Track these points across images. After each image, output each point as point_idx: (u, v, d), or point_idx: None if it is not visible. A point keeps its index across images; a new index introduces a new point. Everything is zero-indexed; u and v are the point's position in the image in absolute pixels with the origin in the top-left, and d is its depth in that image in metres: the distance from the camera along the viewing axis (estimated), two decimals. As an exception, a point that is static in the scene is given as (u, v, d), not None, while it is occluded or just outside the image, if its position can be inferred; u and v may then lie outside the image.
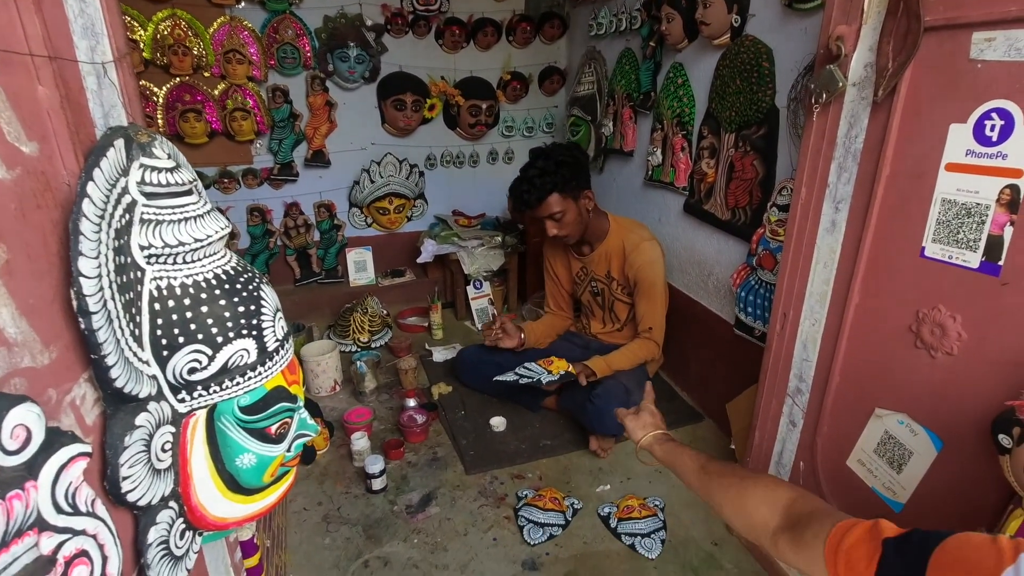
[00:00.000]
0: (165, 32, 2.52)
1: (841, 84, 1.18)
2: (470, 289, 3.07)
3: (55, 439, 0.46)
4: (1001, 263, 0.97)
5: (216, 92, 2.69)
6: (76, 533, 0.48)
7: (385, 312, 2.96)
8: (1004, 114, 0.93)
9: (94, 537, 0.50)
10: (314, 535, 1.71)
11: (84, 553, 0.49)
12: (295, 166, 2.99)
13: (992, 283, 0.98)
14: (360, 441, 1.96)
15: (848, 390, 1.31)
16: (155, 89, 2.58)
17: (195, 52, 2.58)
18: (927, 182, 1.06)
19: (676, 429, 2.21)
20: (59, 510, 0.46)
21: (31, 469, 0.43)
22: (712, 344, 2.19)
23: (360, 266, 3.20)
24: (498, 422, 2.17)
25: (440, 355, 2.70)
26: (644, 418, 1.18)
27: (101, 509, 0.51)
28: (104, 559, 0.51)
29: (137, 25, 2.49)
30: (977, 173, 0.98)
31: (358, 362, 2.43)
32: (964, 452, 1.07)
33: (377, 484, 1.84)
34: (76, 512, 0.48)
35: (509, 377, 2.04)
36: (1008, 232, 0.95)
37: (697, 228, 2.22)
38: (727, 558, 1.64)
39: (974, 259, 1.01)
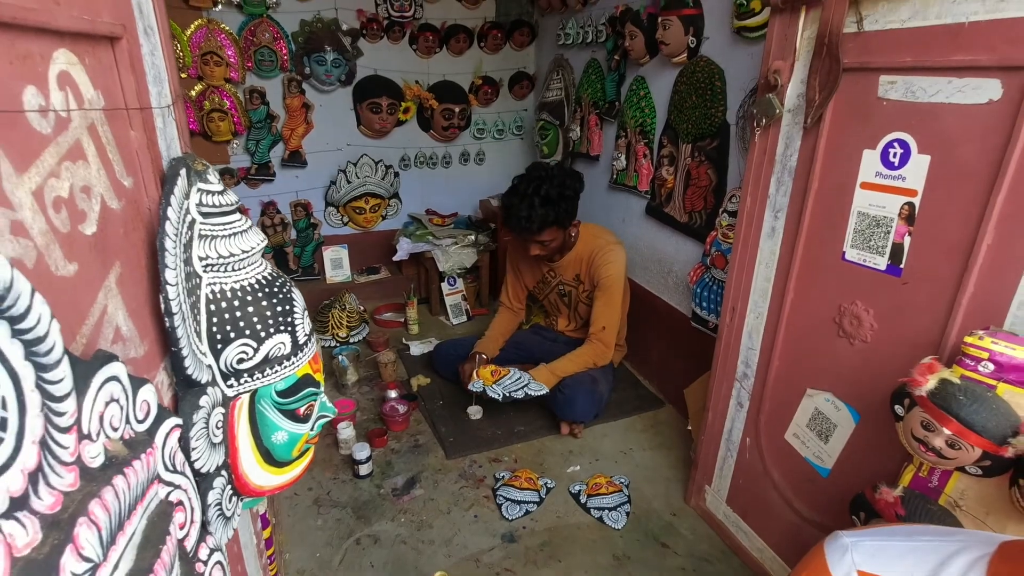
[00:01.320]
0: (142, 33, 2.55)
1: (778, 111, 1.37)
2: (444, 286, 3.20)
3: (162, 413, 0.59)
4: (902, 266, 1.17)
5: (193, 93, 2.73)
6: (176, 487, 0.61)
7: (362, 308, 3.07)
8: (903, 144, 1.13)
9: (186, 491, 0.63)
10: (306, 517, 1.83)
11: (181, 503, 0.62)
12: (272, 166, 3.05)
13: (896, 282, 1.19)
14: (346, 430, 2.08)
15: (785, 373, 1.51)
16: (132, 90, 2.60)
17: (173, 54, 2.62)
18: (847, 197, 1.26)
19: (639, 415, 2.40)
20: (167, 468, 0.59)
21: (151, 434, 0.56)
22: (671, 336, 2.39)
23: (336, 263, 3.28)
24: (475, 411, 2.32)
25: (417, 349, 2.82)
26: None
27: (187, 470, 0.64)
28: (192, 509, 0.64)
29: (114, 26, 2.51)
30: (883, 191, 1.18)
31: (340, 356, 2.54)
32: (876, 423, 1.28)
33: (363, 470, 1.97)
34: (175, 471, 0.61)
35: (492, 393, 2.15)
36: (907, 241, 1.15)
37: (658, 229, 2.41)
38: (684, 526, 1.84)
39: (882, 262, 1.21)
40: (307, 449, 0.97)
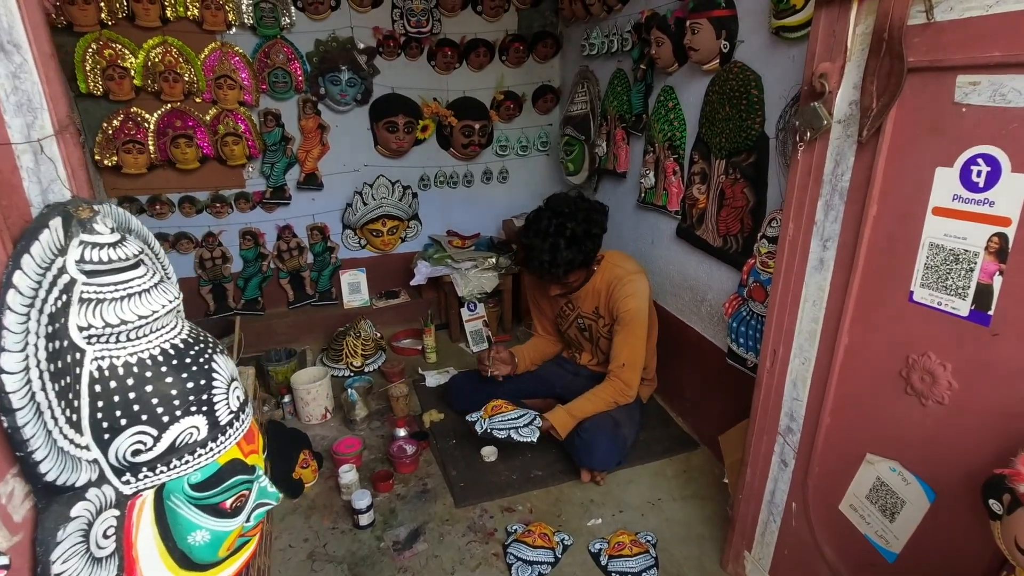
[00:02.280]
0: (156, 59, 2.52)
1: (826, 122, 1.15)
2: (464, 311, 3.04)
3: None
4: (991, 312, 0.93)
5: (207, 117, 2.68)
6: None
7: (379, 335, 2.94)
8: (990, 160, 0.90)
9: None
10: (299, 572, 1.68)
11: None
12: (288, 189, 2.98)
13: (982, 332, 0.95)
14: (348, 474, 1.93)
15: (839, 432, 1.27)
16: (146, 116, 2.58)
17: (186, 78, 2.58)
18: (914, 225, 1.03)
19: (670, 457, 2.17)
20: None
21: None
22: (705, 371, 2.15)
23: (354, 288, 3.18)
24: (489, 451, 2.14)
25: (433, 380, 2.67)
26: None
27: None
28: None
29: (128, 53, 2.49)
30: (964, 219, 0.95)
31: (349, 389, 2.40)
32: (957, 505, 1.03)
33: (364, 520, 1.81)
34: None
35: (473, 419, 2.00)
36: (997, 281, 0.92)
37: (689, 253, 2.18)
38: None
39: (963, 307, 0.97)
40: (244, 543, 0.80)
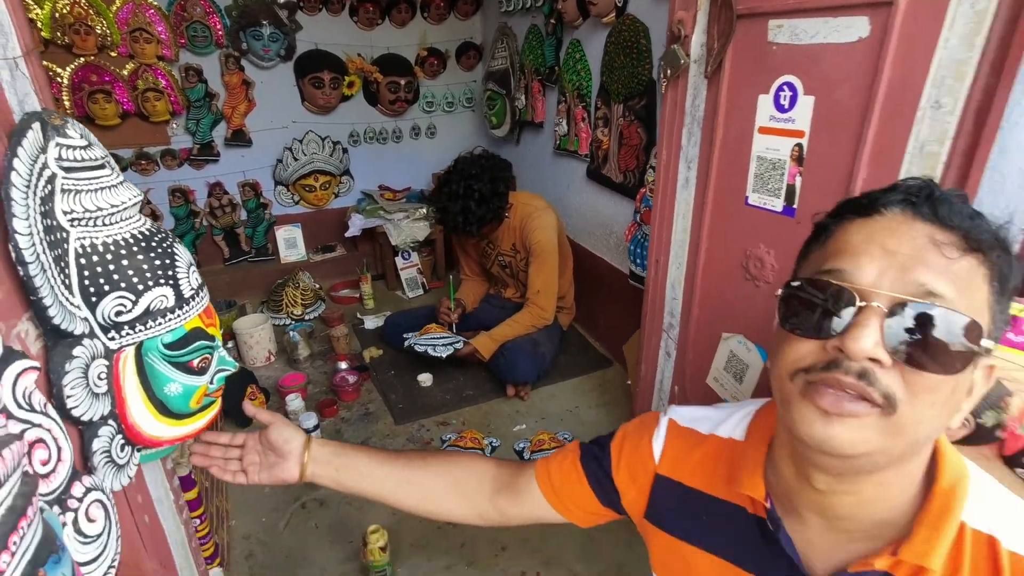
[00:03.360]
0: (64, 11, 2.48)
1: (683, 61, 1.40)
2: (399, 260, 3.20)
3: (11, 354, 0.60)
4: (795, 206, 1.22)
5: (125, 72, 2.66)
6: (34, 425, 0.62)
7: (317, 286, 3.07)
8: (791, 86, 1.17)
9: (49, 431, 0.65)
10: (255, 491, 1.85)
11: (41, 441, 0.63)
12: (215, 146, 3.00)
13: (791, 222, 1.24)
14: (295, 402, 2.10)
15: (704, 320, 1.56)
16: (58, 70, 2.54)
17: (98, 31, 2.55)
18: (746, 142, 1.30)
19: (587, 375, 2.46)
20: (19, 406, 0.60)
21: (-6, 373, 0.58)
22: (614, 296, 2.44)
23: (290, 243, 3.27)
24: (425, 378, 2.35)
25: (371, 323, 2.84)
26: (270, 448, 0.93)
27: (52, 412, 0.66)
28: (58, 449, 0.66)
29: (32, 3, 2.43)
30: (777, 135, 1.22)
31: (291, 332, 2.54)
32: (780, 360, 1.34)
33: (312, 439, 1.99)
34: (32, 410, 0.63)
35: (408, 339, 2.25)
36: (798, 181, 1.20)
37: (598, 192, 2.44)
38: (623, 475, 1.90)
39: (779, 204, 1.25)
40: (209, 403, 0.98)
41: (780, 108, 1.20)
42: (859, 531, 0.59)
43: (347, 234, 3.18)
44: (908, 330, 0.48)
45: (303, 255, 3.30)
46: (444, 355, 2.18)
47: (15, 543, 0.51)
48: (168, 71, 2.74)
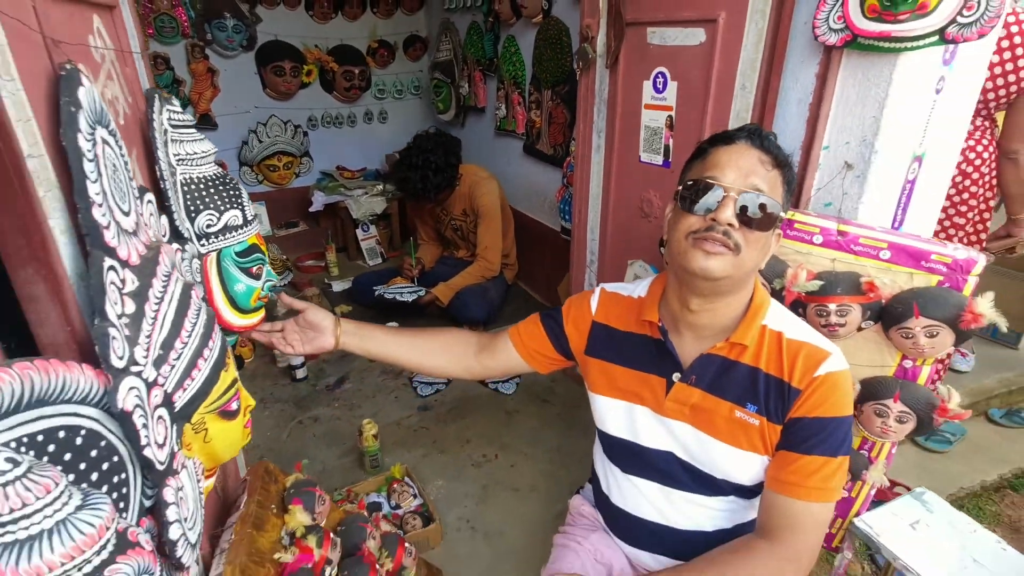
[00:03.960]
0: None
1: (591, 55, 1.86)
2: (359, 232, 3.55)
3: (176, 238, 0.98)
4: (671, 160, 1.71)
5: (98, 60, 2.87)
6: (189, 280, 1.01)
7: (285, 257, 3.37)
8: (663, 75, 1.65)
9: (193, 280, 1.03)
10: (256, 412, 2.20)
11: (193, 287, 1.02)
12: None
13: (667, 172, 1.73)
14: (281, 346, 2.44)
15: (616, 252, 2.05)
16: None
17: (73, 22, 2.75)
18: (637, 116, 1.78)
19: (530, 319, 2.92)
20: (177, 268, 0.99)
21: (159, 244, 0.96)
22: (550, 252, 2.91)
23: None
24: (392, 325, 2.74)
25: (339, 286, 3.19)
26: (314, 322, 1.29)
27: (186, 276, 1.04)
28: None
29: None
30: (656, 109, 1.71)
31: (270, 292, 2.86)
32: (666, 275, 1.84)
33: (300, 373, 2.36)
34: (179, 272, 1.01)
35: (377, 290, 2.66)
36: (671, 142, 1.69)
37: (533, 165, 2.90)
38: (560, 387, 2.38)
39: (659, 159, 1.74)
40: (260, 306, 1.37)
41: (657, 90, 1.69)
42: (711, 334, 1.00)
43: (311, 209, 3.50)
44: (744, 208, 0.88)
45: (268, 231, 3.59)
46: (411, 299, 2.59)
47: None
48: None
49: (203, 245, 1.20)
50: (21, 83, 0.56)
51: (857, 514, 1.50)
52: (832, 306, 1.27)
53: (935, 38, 1.10)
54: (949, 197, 1.86)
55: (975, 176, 1.83)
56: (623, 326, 1.10)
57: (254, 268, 1.30)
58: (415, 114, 4.01)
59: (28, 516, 0.48)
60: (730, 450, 0.97)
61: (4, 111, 0.53)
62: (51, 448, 0.54)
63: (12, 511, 0.47)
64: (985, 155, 1.80)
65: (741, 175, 0.87)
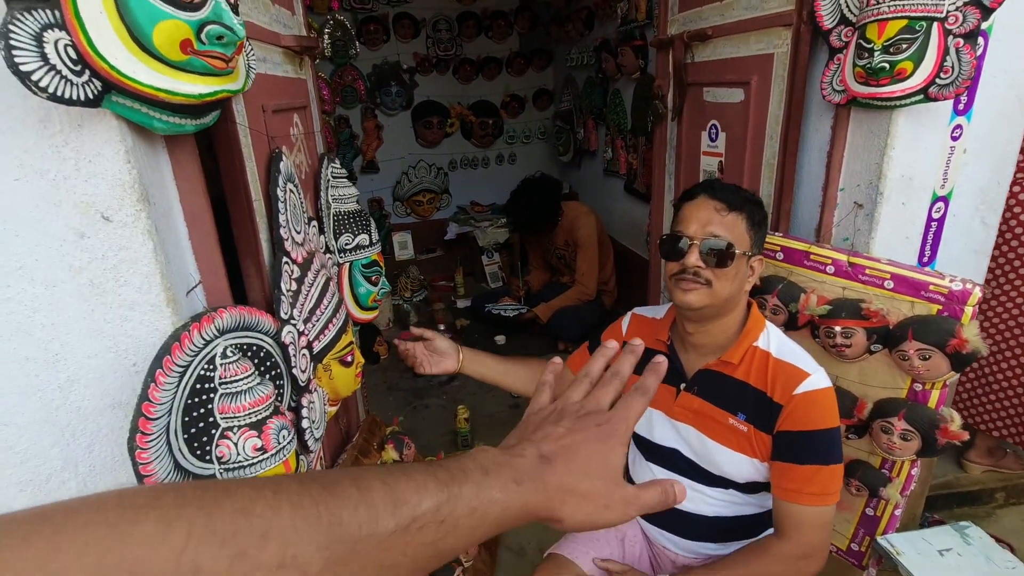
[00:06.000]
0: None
1: (662, 111, 2.18)
2: (484, 258, 4.11)
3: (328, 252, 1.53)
4: (723, 199, 1.94)
5: (300, 123, 3.81)
6: (330, 279, 1.54)
7: (422, 277, 4.04)
8: (715, 127, 1.92)
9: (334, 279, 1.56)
10: (383, 395, 2.78)
11: (331, 280, 1.55)
12: (354, 173, 4.10)
13: (720, 210, 1.96)
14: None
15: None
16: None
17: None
18: (697, 160, 2.05)
19: (623, 341, 3.19)
20: (326, 271, 1.52)
21: (316, 250, 1.50)
22: (641, 280, 3.17)
23: (403, 245, 4.29)
24: (500, 339, 3.21)
25: (462, 303, 3.76)
26: None
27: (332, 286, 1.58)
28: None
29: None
30: (711, 155, 1.97)
31: (405, 304, 3.51)
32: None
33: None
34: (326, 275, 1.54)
35: (487, 306, 3.10)
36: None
37: (633, 202, 3.21)
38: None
39: (714, 199, 1.99)
40: (375, 307, 1.89)
41: (711, 139, 1.95)
42: (709, 352, 1.24)
43: (446, 238, 4.15)
44: (705, 251, 1.15)
45: (412, 255, 4.31)
46: (512, 315, 3.03)
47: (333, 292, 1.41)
48: (327, 121, 3.87)
49: (341, 257, 1.75)
50: (255, 162, 1.09)
51: (883, 533, 1.57)
52: (838, 328, 1.44)
53: (920, 97, 1.28)
54: (1018, 235, 1.83)
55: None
56: (648, 343, 1.32)
57: (373, 277, 1.82)
58: (540, 156, 4.53)
59: (236, 381, 0.97)
60: (725, 451, 1.14)
61: (246, 177, 1.06)
62: (248, 353, 1.04)
63: (230, 377, 0.96)
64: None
65: (700, 225, 1.09)
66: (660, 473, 1.28)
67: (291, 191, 1.25)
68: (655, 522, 1.30)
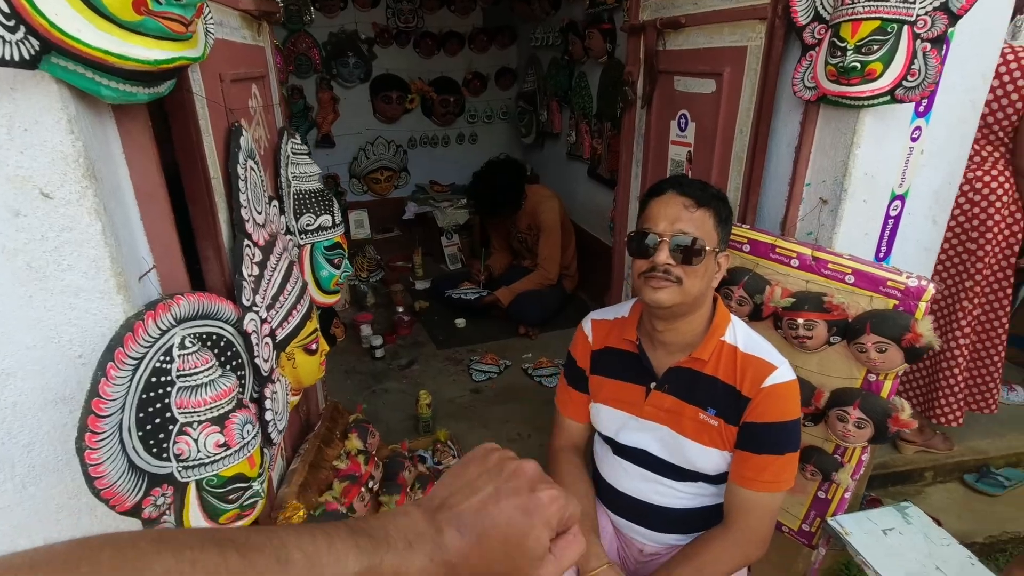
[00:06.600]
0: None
1: (631, 98, 2.16)
2: (443, 239, 4.04)
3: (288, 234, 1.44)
4: (689, 189, 1.96)
5: (250, 91, 3.60)
6: (293, 261, 1.46)
7: (379, 257, 3.93)
8: (685, 116, 1.92)
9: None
10: (341, 379, 2.70)
11: (294, 263, 1.47)
12: (309, 147, 3.92)
13: (687, 200, 1.98)
14: (366, 328, 2.95)
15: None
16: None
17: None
18: (665, 150, 2.05)
19: (583, 326, 3.22)
20: (288, 254, 1.44)
21: (278, 232, 1.41)
22: (605, 265, 3.19)
23: (359, 224, 4.15)
24: (460, 321, 3.17)
25: (420, 285, 3.69)
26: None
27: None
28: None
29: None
30: (680, 145, 1.97)
31: (361, 286, 3.41)
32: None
33: (379, 353, 2.84)
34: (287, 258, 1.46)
35: (447, 292, 3.07)
36: (689, 173, 1.95)
37: (596, 187, 3.21)
38: (596, 386, 2.66)
39: (681, 188, 2.00)
40: (336, 290, 1.81)
41: (680, 129, 1.96)
42: (678, 349, 1.23)
43: (404, 217, 4.05)
44: (674, 247, 1.14)
45: (368, 234, 4.18)
46: (473, 298, 3.00)
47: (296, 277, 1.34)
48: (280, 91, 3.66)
49: (302, 239, 1.66)
50: (212, 136, 1.00)
51: (833, 514, 1.66)
52: (800, 320, 1.48)
53: (887, 98, 1.31)
54: (967, 231, 1.94)
55: (997, 205, 1.89)
56: (613, 343, 1.28)
57: (336, 260, 1.75)
58: (502, 137, 4.46)
59: (196, 374, 0.90)
60: (697, 447, 1.16)
61: (203, 152, 0.98)
62: (208, 343, 0.97)
63: (189, 369, 0.89)
64: (1001, 179, 1.87)
65: (669, 222, 1.08)
66: (630, 468, 1.27)
67: (252, 168, 1.17)
68: (625, 515, 1.31)
